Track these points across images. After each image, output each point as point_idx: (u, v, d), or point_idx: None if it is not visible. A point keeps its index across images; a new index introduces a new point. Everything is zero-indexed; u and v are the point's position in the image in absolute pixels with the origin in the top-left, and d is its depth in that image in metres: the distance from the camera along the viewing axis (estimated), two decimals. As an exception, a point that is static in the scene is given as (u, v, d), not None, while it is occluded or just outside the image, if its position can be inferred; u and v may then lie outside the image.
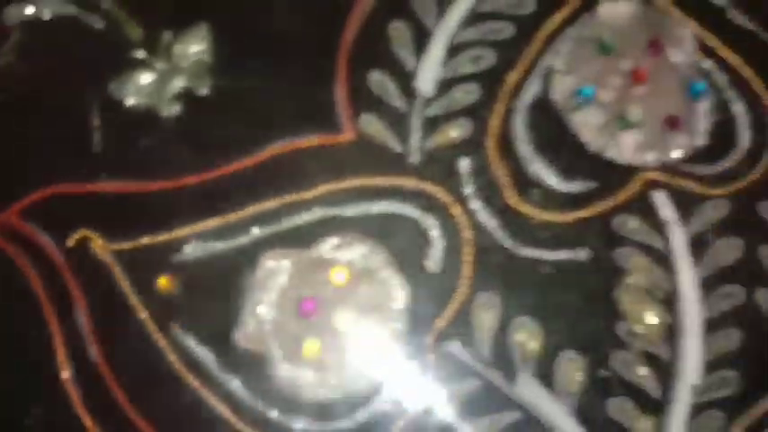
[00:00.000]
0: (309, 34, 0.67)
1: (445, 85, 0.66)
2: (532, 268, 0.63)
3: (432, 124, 0.65)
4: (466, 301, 0.62)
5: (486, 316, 0.62)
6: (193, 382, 0.60)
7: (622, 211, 0.64)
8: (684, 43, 0.66)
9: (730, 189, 0.64)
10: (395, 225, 0.63)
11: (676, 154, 0.65)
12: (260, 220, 0.63)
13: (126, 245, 0.62)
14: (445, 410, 0.60)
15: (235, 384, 0.60)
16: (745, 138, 0.65)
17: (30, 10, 0.66)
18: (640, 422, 0.60)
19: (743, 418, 0.60)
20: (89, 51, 0.66)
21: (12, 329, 0.61)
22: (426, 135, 0.65)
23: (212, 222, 0.63)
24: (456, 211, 0.64)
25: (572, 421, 0.60)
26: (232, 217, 0.63)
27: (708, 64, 0.67)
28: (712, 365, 0.61)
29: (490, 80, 0.66)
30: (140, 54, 0.66)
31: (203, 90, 0.65)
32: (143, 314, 0.61)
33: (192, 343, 0.61)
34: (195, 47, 0.66)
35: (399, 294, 0.62)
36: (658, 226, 0.64)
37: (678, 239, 0.63)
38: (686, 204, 0.64)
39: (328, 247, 0.63)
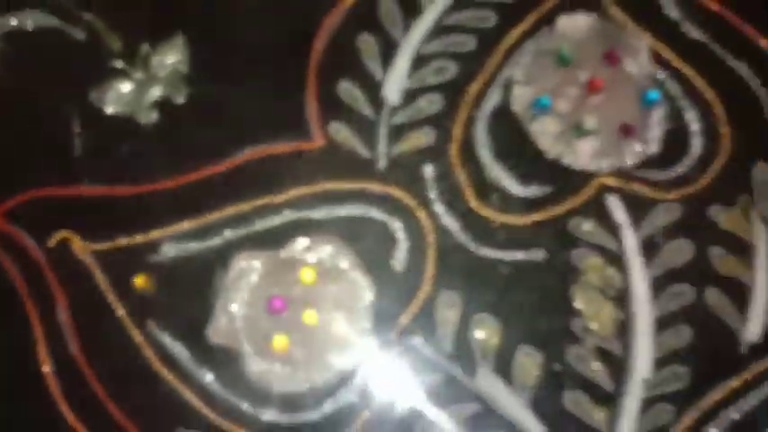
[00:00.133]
0: (281, 46, 0.68)
1: (411, 95, 0.68)
2: (492, 268, 0.64)
3: (398, 132, 0.67)
4: (429, 298, 0.63)
5: (448, 313, 0.63)
6: (168, 375, 0.62)
7: (577, 215, 0.66)
8: (639, 55, 0.68)
9: (682, 194, 0.66)
10: (362, 227, 0.65)
11: (630, 160, 0.66)
12: (233, 222, 0.64)
13: (105, 246, 0.64)
14: (409, 402, 0.62)
15: (208, 378, 0.62)
16: (696, 145, 0.67)
17: (13, 21, 0.67)
18: (594, 414, 0.62)
19: (692, 410, 0.62)
20: (71, 61, 0.67)
21: None
22: (393, 142, 0.67)
23: (187, 224, 0.64)
24: (420, 214, 0.65)
25: (529, 413, 0.62)
26: (206, 219, 0.64)
27: (662, 74, 0.68)
28: (663, 361, 0.63)
29: (453, 90, 0.68)
30: (119, 64, 0.67)
31: (180, 99, 0.67)
32: (121, 312, 0.63)
33: (167, 339, 0.62)
34: (172, 58, 0.67)
35: (366, 293, 0.63)
36: (612, 228, 0.65)
37: (630, 241, 0.65)
38: (639, 208, 0.66)
39: (298, 248, 0.64)
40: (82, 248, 0.64)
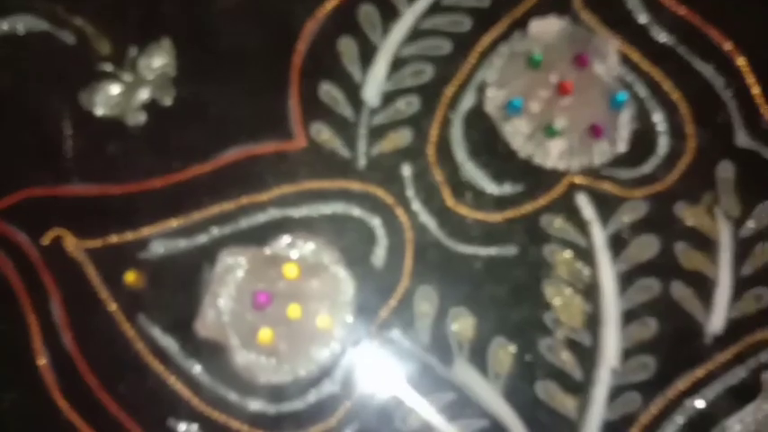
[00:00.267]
0: (265, 50, 0.69)
1: (389, 97, 0.69)
2: (467, 263, 0.66)
3: (377, 132, 0.69)
4: (407, 292, 0.66)
5: (426, 306, 0.66)
6: (159, 367, 0.64)
7: (548, 212, 0.68)
8: (608, 58, 0.69)
9: (648, 191, 0.68)
10: (343, 225, 0.67)
11: (599, 160, 0.68)
12: (219, 220, 0.66)
13: (96, 243, 0.65)
14: (388, 392, 0.64)
15: (196, 369, 0.64)
16: (663, 144, 0.69)
17: (5, 26, 0.68)
18: (565, 402, 0.64)
19: (658, 399, 0.64)
20: (61, 65, 0.68)
21: None
22: (372, 142, 0.69)
23: (175, 222, 0.66)
24: (399, 211, 0.67)
25: (503, 401, 0.64)
26: (193, 217, 0.66)
27: (630, 77, 0.70)
28: (630, 351, 0.65)
29: (430, 93, 0.69)
30: (109, 68, 0.69)
31: (167, 101, 0.68)
32: (112, 306, 0.65)
33: (157, 332, 0.64)
34: (159, 61, 0.68)
35: (347, 287, 0.65)
36: (581, 225, 0.67)
37: (599, 237, 0.67)
38: (607, 205, 0.68)
39: (282, 244, 0.66)
40: (74, 246, 0.65)
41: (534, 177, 0.68)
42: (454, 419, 0.64)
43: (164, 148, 0.67)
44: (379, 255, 0.67)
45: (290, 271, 0.64)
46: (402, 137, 0.69)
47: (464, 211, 0.68)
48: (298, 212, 0.67)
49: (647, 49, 0.71)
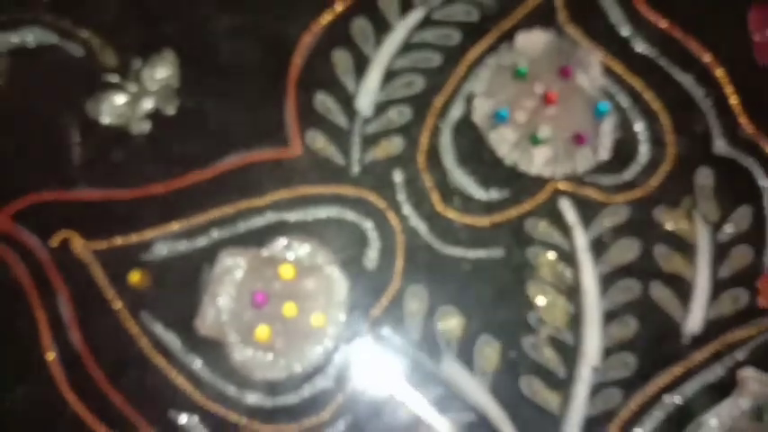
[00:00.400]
0: (263, 61, 0.71)
1: (382, 107, 0.71)
2: (455, 265, 0.68)
3: (370, 140, 0.70)
4: (398, 292, 0.68)
5: (416, 305, 0.68)
6: (161, 362, 0.66)
7: (533, 216, 0.70)
8: (592, 69, 0.71)
9: (629, 197, 0.70)
10: (337, 228, 0.68)
11: (582, 167, 0.70)
12: (218, 223, 0.68)
13: (102, 244, 0.67)
14: (379, 387, 0.66)
15: (197, 364, 0.66)
16: (644, 152, 0.71)
17: (16, 39, 0.69)
18: (548, 398, 0.67)
19: (638, 395, 0.67)
20: (69, 76, 0.70)
21: (2, 318, 0.66)
22: (365, 150, 0.70)
23: (177, 225, 0.68)
24: (390, 215, 0.69)
25: (489, 396, 0.66)
26: (194, 221, 0.68)
27: (613, 87, 0.72)
28: (611, 350, 0.67)
29: (420, 103, 0.71)
30: (114, 79, 0.70)
31: (170, 110, 0.69)
32: (118, 304, 0.66)
33: (159, 329, 0.66)
34: (163, 72, 0.70)
35: (340, 287, 0.67)
36: (564, 229, 0.70)
37: (581, 240, 0.69)
38: (589, 210, 0.70)
39: (278, 247, 0.67)
40: (82, 247, 0.67)
41: (520, 183, 0.70)
42: (442, 413, 0.66)
43: (166, 156, 0.69)
44: (372, 256, 0.68)
45: (287, 272, 0.66)
46: (394, 145, 0.71)
47: (452, 215, 0.70)
48: (294, 216, 0.68)
49: (630, 61, 0.73)
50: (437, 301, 0.68)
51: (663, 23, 0.73)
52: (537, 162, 0.70)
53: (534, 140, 0.70)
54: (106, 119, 0.69)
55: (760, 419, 0.66)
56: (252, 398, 0.66)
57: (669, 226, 0.70)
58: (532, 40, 0.72)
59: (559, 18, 0.73)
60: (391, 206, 0.69)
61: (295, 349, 0.66)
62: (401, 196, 0.70)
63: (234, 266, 0.67)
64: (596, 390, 0.67)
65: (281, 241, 0.68)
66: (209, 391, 0.66)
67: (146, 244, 0.67)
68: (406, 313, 0.68)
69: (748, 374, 0.68)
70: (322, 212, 0.69)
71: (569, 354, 0.67)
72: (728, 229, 0.71)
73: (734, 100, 0.72)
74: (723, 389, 0.67)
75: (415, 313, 0.68)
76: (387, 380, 0.66)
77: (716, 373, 0.68)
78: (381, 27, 0.72)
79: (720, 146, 0.72)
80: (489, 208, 0.70)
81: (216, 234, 0.68)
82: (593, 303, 0.68)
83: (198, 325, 0.65)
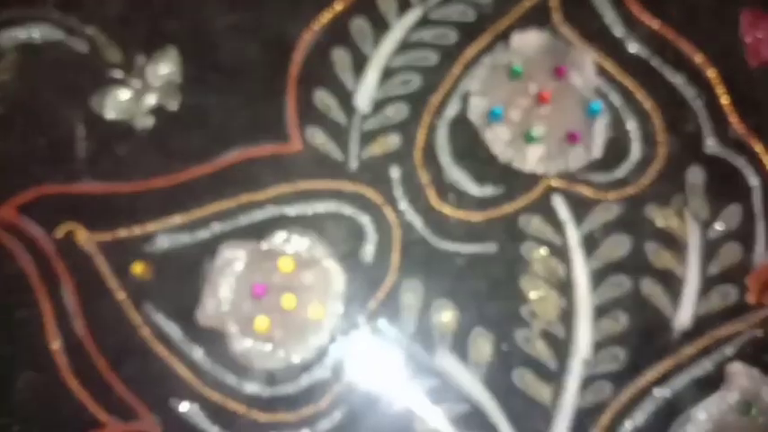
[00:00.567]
0: (264, 58, 0.71)
1: (379, 104, 0.72)
2: (450, 259, 0.69)
3: (368, 137, 0.71)
4: (394, 286, 0.68)
5: (411, 299, 0.69)
6: (162, 351, 0.67)
7: (526, 212, 0.70)
8: (585, 69, 0.72)
9: (621, 194, 0.71)
10: (335, 222, 0.69)
11: (575, 164, 0.71)
12: (219, 217, 0.69)
13: (106, 236, 0.67)
14: (375, 378, 0.67)
15: (197, 354, 0.67)
16: (636, 150, 0.72)
17: (23, 35, 0.70)
18: (540, 390, 0.68)
19: (628, 388, 0.68)
20: (74, 71, 0.70)
21: (8, 307, 0.67)
22: (363, 146, 0.71)
23: (179, 218, 0.68)
24: (387, 210, 0.70)
25: (481, 387, 0.67)
26: (196, 214, 0.68)
27: (606, 87, 0.72)
28: (602, 344, 0.68)
29: (417, 100, 0.72)
30: (119, 74, 0.70)
31: (173, 106, 0.70)
32: (120, 295, 0.67)
33: (161, 319, 0.67)
34: (166, 69, 0.70)
35: (338, 280, 0.68)
36: (557, 225, 0.70)
37: (573, 237, 0.70)
38: (581, 207, 0.71)
39: (278, 240, 0.68)
40: (86, 239, 0.67)
41: (513, 180, 0.71)
42: (436, 403, 0.67)
43: (169, 150, 0.69)
44: (369, 250, 0.69)
45: (286, 264, 0.67)
46: (391, 141, 0.71)
47: (448, 210, 0.71)
48: (293, 210, 0.69)
49: (623, 62, 0.73)
50: (432, 294, 0.68)
51: (656, 25, 0.74)
52: (531, 159, 0.71)
53: (528, 138, 0.71)
54: (110, 114, 0.70)
55: (747, 414, 0.67)
56: (251, 387, 0.67)
57: (660, 223, 0.71)
58: (527, 41, 0.73)
59: (554, 19, 0.74)
60: (388, 201, 0.70)
61: (293, 340, 0.66)
62: (398, 192, 0.70)
63: (234, 259, 0.67)
64: (587, 382, 0.68)
65: (281, 235, 0.68)
66: (208, 379, 0.66)
67: (148, 236, 0.68)
68: (402, 306, 0.68)
69: (736, 369, 0.69)
70: (321, 207, 0.70)
71: (561, 347, 0.68)
72: (718, 227, 0.72)
73: (725, 100, 0.73)
74: (712, 383, 0.68)
75: (410, 306, 0.69)
76: (382, 371, 0.67)
77: (705, 367, 0.69)
78: (380, 26, 0.72)
79: (711, 145, 0.73)
80: (484, 204, 0.71)
81: (217, 227, 0.69)
82: (584, 298, 0.69)
83: (199, 315, 0.66)
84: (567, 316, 0.69)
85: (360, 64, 0.72)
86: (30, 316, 0.66)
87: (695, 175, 0.72)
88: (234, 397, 0.67)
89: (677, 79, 0.73)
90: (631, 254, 0.70)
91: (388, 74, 0.72)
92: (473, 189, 0.71)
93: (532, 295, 0.69)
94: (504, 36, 0.73)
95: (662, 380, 0.68)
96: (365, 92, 0.72)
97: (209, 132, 0.70)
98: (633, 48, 0.74)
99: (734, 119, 0.73)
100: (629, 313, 0.69)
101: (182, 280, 0.67)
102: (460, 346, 0.68)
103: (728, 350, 0.69)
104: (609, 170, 0.72)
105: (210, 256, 0.68)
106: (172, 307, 0.67)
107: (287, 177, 0.69)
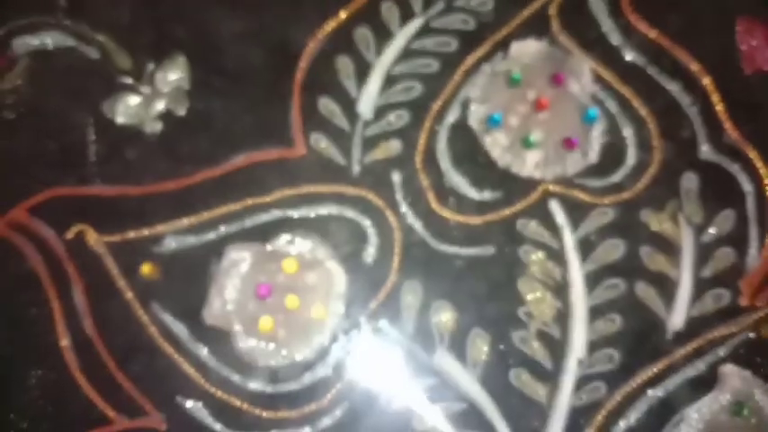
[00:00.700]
0: (270, 65, 0.72)
1: (381, 111, 0.73)
2: (449, 261, 0.70)
3: (370, 142, 0.72)
4: (394, 287, 0.70)
5: (411, 300, 0.70)
6: (169, 350, 0.68)
7: (524, 216, 0.71)
8: (583, 76, 0.73)
9: (617, 199, 0.72)
10: (338, 225, 0.70)
11: (572, 170, 0.72)
12: (226, 219, 0.70)
13: (115, 237, 0.69)
14: (376, 376, 0.68)
15: (203, 353, 0.68)
16: (631, 156, 0.72)
17: (35, 41, 0.71)
18: (536, 389, 0.69)
19: (622, 388, 0.69)
20: (86, 77, 0.71)
21: (20, 306, 0.68)
22: (365, 151, 0.72)
23: (186, 221, 0.69)
24: (388, 213, 0.71)
25: (479, 387, 0.68)
26: (203, 216, 0.70)
27: (602, 94, 0.73)
28: (596, 344, 0.69)
29: (418, 107, 0.73)
30: (129, 80, 0.72)
31: (181, 111, 0.71)
32: (129, 294, 0.68)
33: (168, 318, 0.68)
34: (174, 75, 0.72)
35: (340, 281, 0.69)
36: (554, 229, 0.71)
37: (569, 240, 0.71)
38: (578, 211, 0.71)
39: (282, 242, 0.69)
40: (96, 240, 0.69)
41: (512, 185, 0.72)
42: (434, 402, 0.68)
43: (177, 154, 0.71)
44: (370, 252, 0.71)
45: (290, 266, 0.68)
46: (393, 146, 0.72)
47: (447, 214, 0.71)
48: (297, 213, 0.70)
49: (619, 69, 0.74)
50: (431, 295, 0.69)
51: (652, 33, 0.74)
52: (528, 164, 0.72)
53: (526, 144, 0.71)
54: (120, 119, 0.71)
55: (739, 414, 0.68)
56: (255, 385, 0.68)
57: (654, 227, 0.71)
58: (526, 49, 0.74)
59: (552, 28, 0.74)
60: (389, 205, 0.71)
61: (296, 339, 0.67)
62: (399, 195, 0.71)
63: (240, 260, 0.68)
64: (582, 382, 0.69)
65: (285, 237, 0.69)
66: (214, 377, 0.67)
67: (157, 238, 0.69)
68: (402, 307, 0.69)
69: (729, 371, 0.70)
70: (324, 210, 0.71)
71: (557, 347, 0.69)
72: (712, 231, 0.72)
73: (719, 107, 0.73)
74: (705, 384, 0.69)
75: (410, 307, 0.70)
76: (383, 370, 0.68)
77: (698, 368, 0.69)
78: (382, 35, 0.73)
79: (706, 151, 0.73)
80: (482, 208, 0.71)
81: (223, 229, 0.70)
82: (580, 300, 0.70)
83: (205, 315, 0.67)
84: (563, 317, 0.70)
85: (363, 71, 0.73)
86: (40, 315, 0.67)
87: (690, 181, 0.72)
88: (238, 394, 0.67)
89: (673, 87, 0.74)
90: (626, 257, 0.71)
91: (390, 81, 0.73)
92: (472, 193, 0.72)
93: (529, 297, 0.70)
94: (503, 44, 0.74)
95: (656, 380, 0.69)
96: (368, 98, 0.73)
97: (216, 137, 0.71)
98: (630, 56, 0.74)
99: (728, 125, 0.73)
100: (623, 315, 0.70)
101: (188, 280, 0.68)
102: (459, 346, 0.69)
103: (721, 352, 0.70)
104: (605, 175, 0.72)
105: (217, 257, 0.68)
106: (179, 307, 0.68)
107: (291, 181, 0.70)
